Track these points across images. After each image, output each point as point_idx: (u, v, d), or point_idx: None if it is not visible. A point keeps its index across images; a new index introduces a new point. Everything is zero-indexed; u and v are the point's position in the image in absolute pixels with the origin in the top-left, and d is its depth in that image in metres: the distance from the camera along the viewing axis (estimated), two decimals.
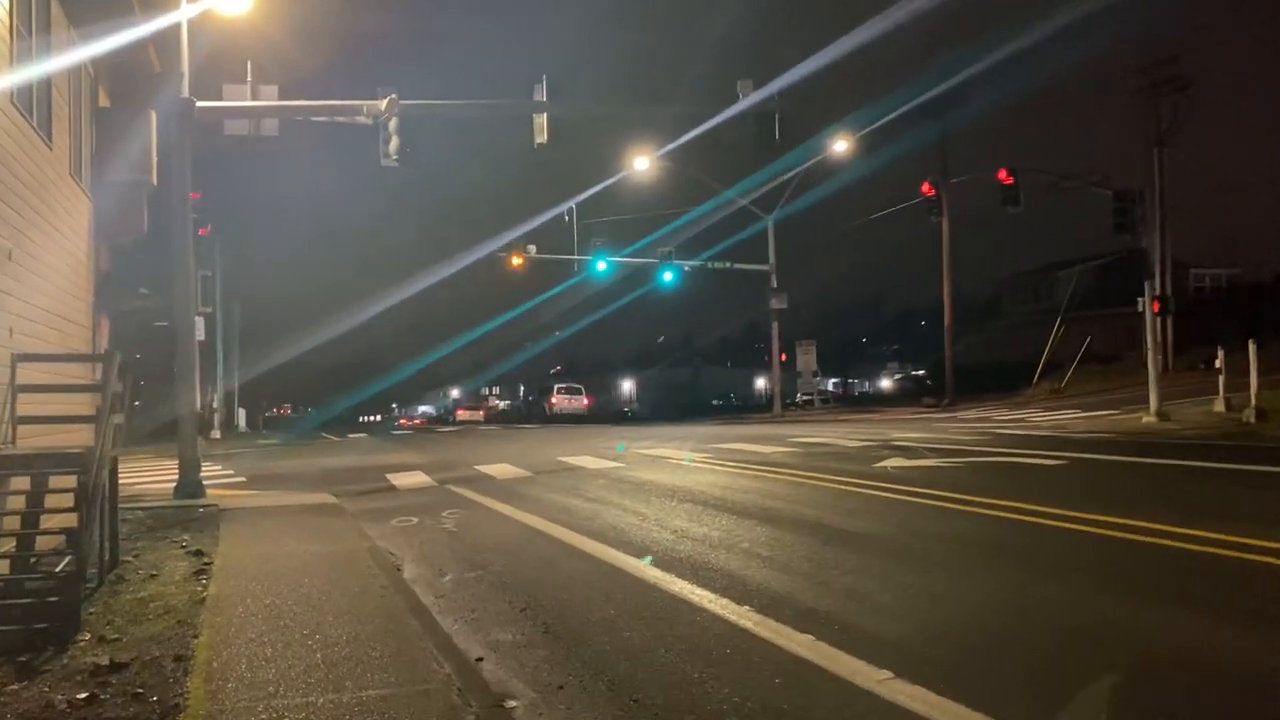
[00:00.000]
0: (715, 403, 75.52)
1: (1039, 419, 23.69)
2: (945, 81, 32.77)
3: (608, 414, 67.11)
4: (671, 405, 68.99)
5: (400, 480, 15.23)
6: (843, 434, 20.65)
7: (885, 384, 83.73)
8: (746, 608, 5.95)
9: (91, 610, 6.34)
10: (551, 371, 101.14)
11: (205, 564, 8.14)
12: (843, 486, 11.28)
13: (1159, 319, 21.10)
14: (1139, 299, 20.41)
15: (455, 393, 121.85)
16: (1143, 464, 12.83)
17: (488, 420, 66.60)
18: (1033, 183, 23.86)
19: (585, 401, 61.07)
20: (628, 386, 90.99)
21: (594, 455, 17.63)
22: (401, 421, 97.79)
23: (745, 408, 68.07)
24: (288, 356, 66.23)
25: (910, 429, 21.94)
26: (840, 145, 32.45)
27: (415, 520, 10.71)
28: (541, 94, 15.33)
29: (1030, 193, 23.30)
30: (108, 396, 7.58)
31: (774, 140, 16.23)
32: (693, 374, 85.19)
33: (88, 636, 5.67)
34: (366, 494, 13.76)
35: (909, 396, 50.96)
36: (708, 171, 38.15)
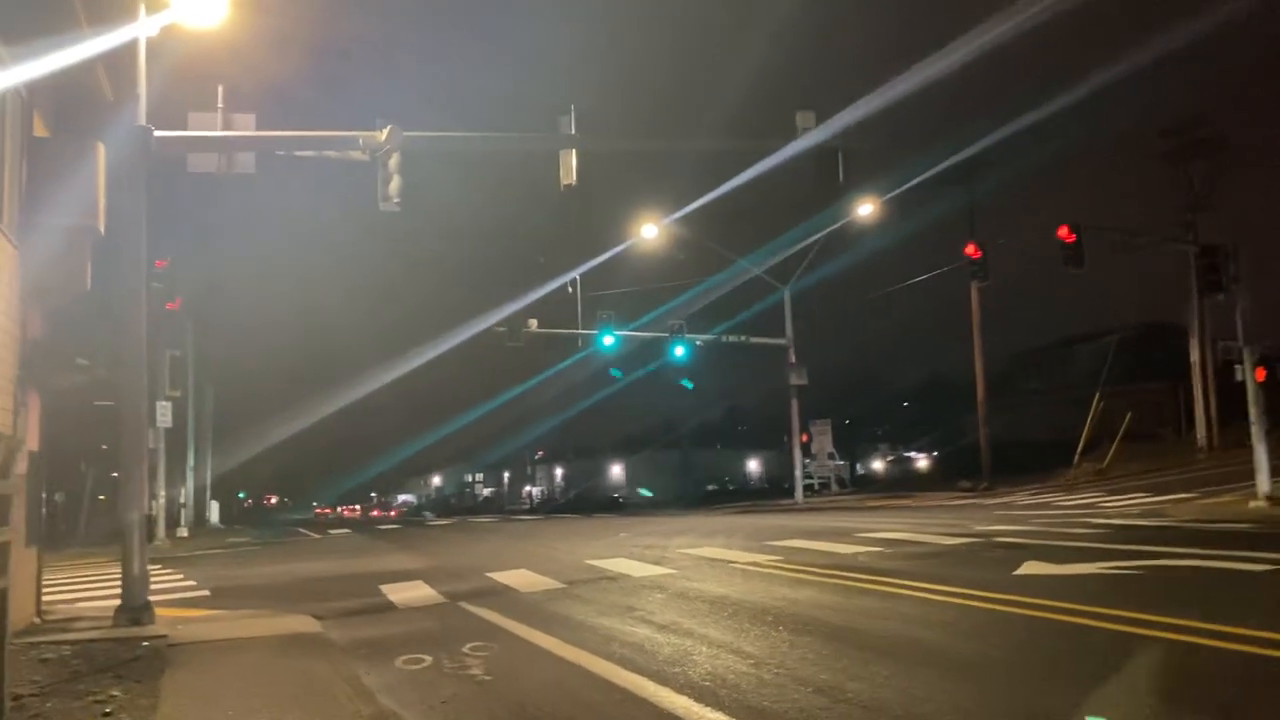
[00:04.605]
0: (710, 488, 72.42)
1: (1113, 504, 21.07)
2: (970, 145, 30.80)
3: (597, 502, 63.83)
4: (667, 491, 65.88)
5: (399, 594, 12.28)
6: (910, 526, 17.83)
7: (877, 465, 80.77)
8: None
9: None
10: (536, 455, 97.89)
11: None
12: (1002, 609, 8.45)
13: (1217, 389, 18.82)
14: (1237, 366, 18.04)
15: (437, 480, 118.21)
16: None
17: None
18: (1097, 241, 21.47)
19: (393, 512, 79.10)
20: (617, 471, 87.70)
21: (630, 558, 14.72)
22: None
23: (744, 492, 64.86)
24: (268, 444, 62.92)
25: (980, 518, 19.18)
26: (865, 208, 30.26)
27: (428, 660, 7.87)
28: (569, 127, 12.95)
29: (1093, 254, 20.89)
30: None
31: (838, 180, 13.92)
32: (681, 457, 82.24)
33: None
34: (357, 614, 10.86)
35: (924, 480, 48.16)
36: (722, 237, 35.98)
